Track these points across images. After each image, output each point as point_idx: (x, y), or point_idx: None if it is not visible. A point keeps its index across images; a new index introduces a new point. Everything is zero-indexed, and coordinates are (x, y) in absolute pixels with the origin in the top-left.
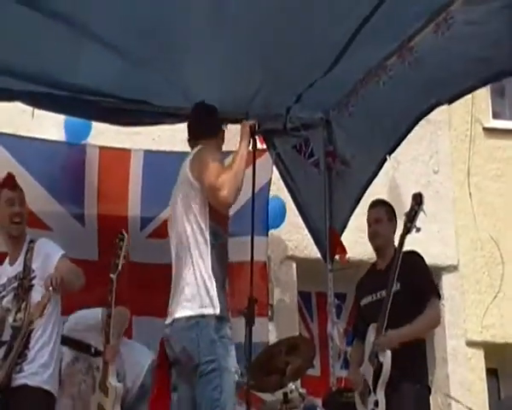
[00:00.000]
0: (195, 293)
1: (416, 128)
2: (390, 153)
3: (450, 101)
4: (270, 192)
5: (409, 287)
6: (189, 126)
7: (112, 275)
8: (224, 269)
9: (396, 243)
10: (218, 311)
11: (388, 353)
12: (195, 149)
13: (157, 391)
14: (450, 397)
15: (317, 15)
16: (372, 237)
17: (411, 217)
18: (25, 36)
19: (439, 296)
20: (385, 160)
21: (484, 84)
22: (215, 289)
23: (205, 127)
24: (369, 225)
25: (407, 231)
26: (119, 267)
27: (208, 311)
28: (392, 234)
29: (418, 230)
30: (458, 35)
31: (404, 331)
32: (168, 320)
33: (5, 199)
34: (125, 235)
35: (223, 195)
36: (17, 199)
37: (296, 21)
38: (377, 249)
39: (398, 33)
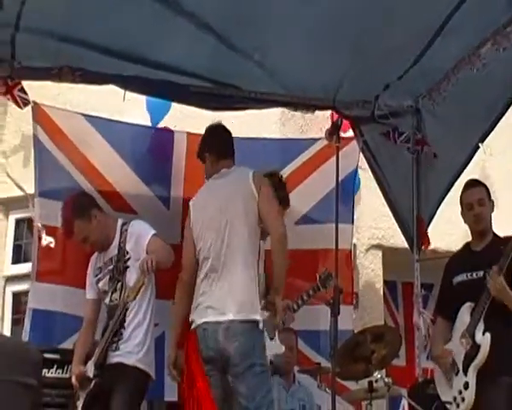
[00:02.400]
0: (249, 298)
1: (509, 117)
2: (482, 140)
3: None
4: None
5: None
6: (215, 143)
7: None
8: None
9: None
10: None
11: (488, 336)
12: (254, 172)
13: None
14: None
15: (407, 2)
16: (477, 220)
17: None
18: (121, 16)
19: None
20: (477, 148)
21: None
22: (259, 295)
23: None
24: (471, 207)
25: None
26: None
27: (259, 318)
28: (491, 216)
29: None
30: None
31: None
32: (215, 318)
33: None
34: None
35: (282, 231)
36: (81, 232)
37: (386, 7)
38: (480, 233)
39: (490, 21)
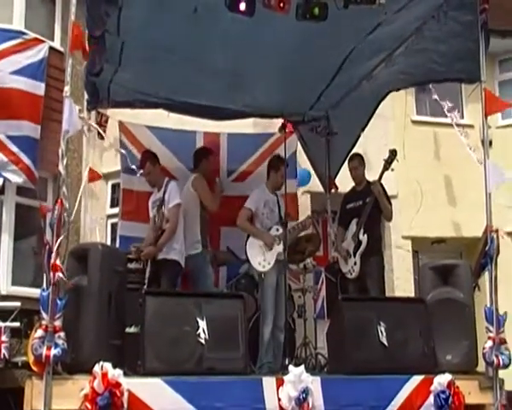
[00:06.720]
0: None
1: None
2: (362, 130)
3: (398, 89)
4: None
5: (377, 200)
6: None
7: None
8: None
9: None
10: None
11: (366, 236)
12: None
13: None
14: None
15: (321, 55)
16: (356, 177)
17: (389, 162)
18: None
19: (391, 205)
20: (359, 135)
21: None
22: None
23: None
24: (353, 169)
25: (385, 169)
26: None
27: None
28: (364, 173)
29: (392, 170)
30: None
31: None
32: None
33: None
34: None
35: None
36: (147, 169)
37: (308, 58)
38: (358, 182)
39: (376, 56)
